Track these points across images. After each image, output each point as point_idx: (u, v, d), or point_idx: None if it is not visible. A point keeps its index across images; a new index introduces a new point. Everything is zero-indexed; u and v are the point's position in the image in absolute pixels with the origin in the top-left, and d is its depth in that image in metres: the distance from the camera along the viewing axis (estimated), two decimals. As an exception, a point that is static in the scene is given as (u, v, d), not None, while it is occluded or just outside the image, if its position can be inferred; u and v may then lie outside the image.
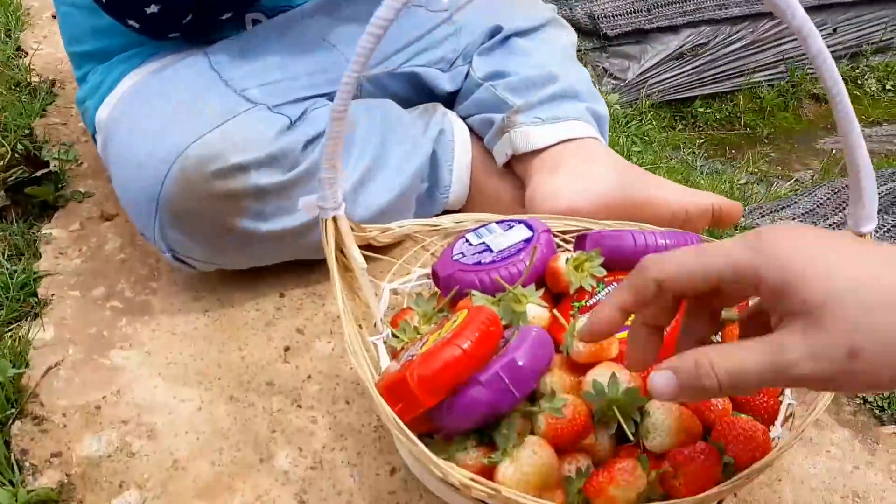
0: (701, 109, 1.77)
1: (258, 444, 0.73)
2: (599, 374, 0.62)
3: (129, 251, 0.97)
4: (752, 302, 0.72)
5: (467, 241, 0.76)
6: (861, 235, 0.61)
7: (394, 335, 0.71)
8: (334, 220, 0.64)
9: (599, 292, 0.72)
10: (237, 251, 0.85)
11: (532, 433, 0.61)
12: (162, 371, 0.80)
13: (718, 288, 0.48)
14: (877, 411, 0.78)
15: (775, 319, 0.47)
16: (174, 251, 0.84)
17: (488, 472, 0.59)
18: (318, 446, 0.73)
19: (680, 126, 1.71)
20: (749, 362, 0.46)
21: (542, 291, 0.70)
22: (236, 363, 0.81)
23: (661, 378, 0.49)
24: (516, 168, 0.95)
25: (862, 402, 0.79)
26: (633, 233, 0.73)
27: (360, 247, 0.69)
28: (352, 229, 0.67)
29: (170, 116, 0.82)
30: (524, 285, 0.70)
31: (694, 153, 1.58)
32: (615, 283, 0.73)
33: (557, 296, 0.74)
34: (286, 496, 0.68)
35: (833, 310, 0.43)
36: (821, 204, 1.15)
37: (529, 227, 0.77)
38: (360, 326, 0.68)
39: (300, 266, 0.93)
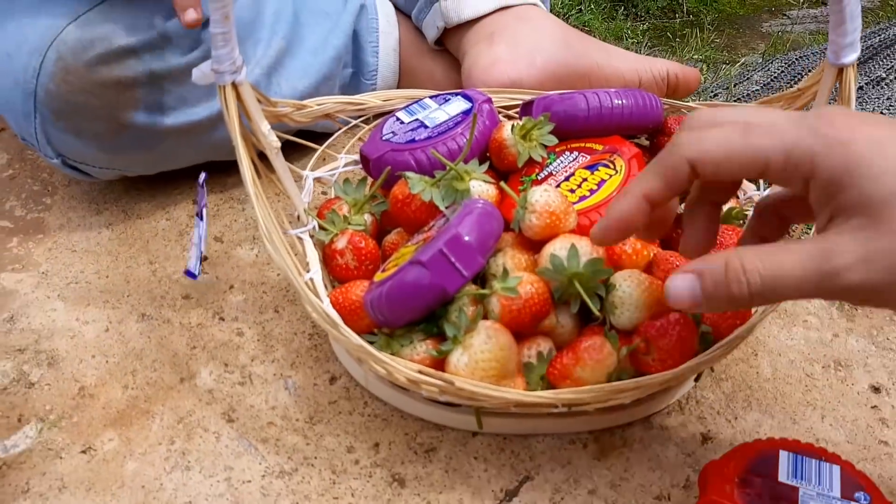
0: (641, -3, 1.68)
1: (177, 364, 0.64)
2: (557, 248, 0.54)
3: (19, 167, 0.86)
4: (745, 196, 0.66)
5: (398, 119, 0.67)
6: (842, 67, 0.54)
7: (321, 227, 0.62)
8: (234, 87, 0.54)
9: (550, 163, 0.64)
10: (137, 152, 0.74)
11: (485, 319, 0.53)
12: (61, 292, 0.70)
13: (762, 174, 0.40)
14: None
15: (823, 219, 0.39)
16: (63, 156, 0.73)
17: (439, 366, 0.52)
18: (245, 360, 0.64)
19: (621, 15, 1.62)
20: (788, 266, 0.38)
21: (486, 166, 0.62)
22: (147, 278, 0.72)
23: (682, 281, 0.41)
24: (449, 44, 0.85)
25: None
26: (586, 93, 0.65)
27: (279, 135, 0.60)
28: (259, 102, 0.57)
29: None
30: (466, 160, 0.61)
31: (638, 42, 1.50)
32: (568, 153, 0.65)
33: (505, 174, 0.66)
34: (213, 416, 0.60)
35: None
36: (776, 77, 1.08)
37: (468, 98, 0.68)
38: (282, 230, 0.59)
39: (215, 169, 0.82)
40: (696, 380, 0.60)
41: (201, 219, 0.65)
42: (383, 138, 0.65)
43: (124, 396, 0.61)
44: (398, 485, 0.55)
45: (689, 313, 0.53)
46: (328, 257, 0.61)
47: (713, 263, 0.40)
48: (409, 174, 0.60)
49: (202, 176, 0.65)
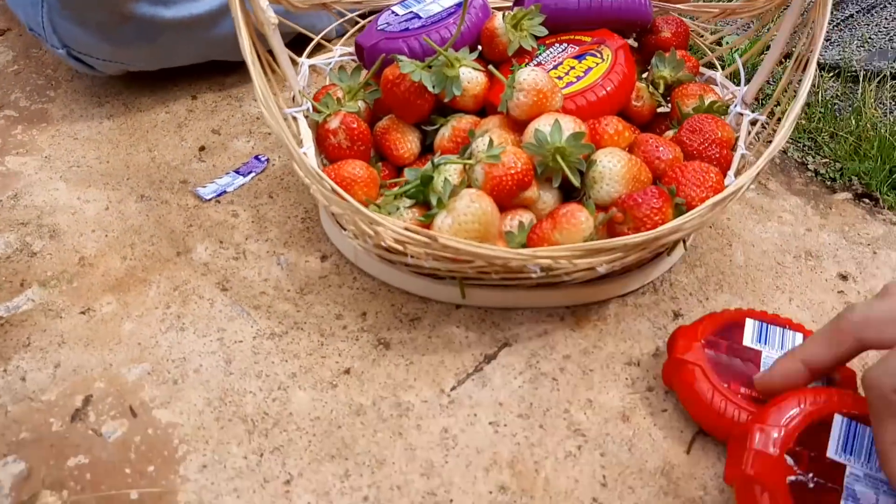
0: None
1: (174, 239, 0.66)
2: (542, 124, 0.56)
3: (24, 63, 0.87)
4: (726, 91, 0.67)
5: (393, 12, 0.69)
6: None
7: (315, 109, 0.64)
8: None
9: (540, 54, 0.66)
10: (138, 44, 0.76)
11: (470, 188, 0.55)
12: (63, 174, 0.72)
13: None
14: (829, 182, 0.75)
15: None
16: (68, 47, 0.75)
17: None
18: (240, 238, 0.67)
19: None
20: None
21: (476, 54, 0.64)
22: (146, 164, 0.74)
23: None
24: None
25: (814, 174, 0.76)
26: (576, -13, 0.67)
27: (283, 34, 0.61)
28: (258, -23, 0.58)
29: None
30: (456, 48, 0.63)
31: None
32: (557, 45, 0.67)
33: (496, 64, 0.68)
34: (207, 285, 0.62)
35: None
36: None
37: (462, -9, 0.69)
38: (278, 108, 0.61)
39: (214, 69, 0.85)
40: (669, 254, 0.62)
41: (240, 174, 0.69)
42: (378, 28, 0.67)
43: (123, 266, 0.64)
44: (383, 347, 0.58)
45: (665, 187, 0.55)
46: (321, 137, 0.63)
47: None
48: (401, 57, 0.62)
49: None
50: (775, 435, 0.44)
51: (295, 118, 0.63)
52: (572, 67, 0.63)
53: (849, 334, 0.44)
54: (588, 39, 0.66)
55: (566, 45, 0.66)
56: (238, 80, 0.85)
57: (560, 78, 0.63)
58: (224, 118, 0.80)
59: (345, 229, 0.60)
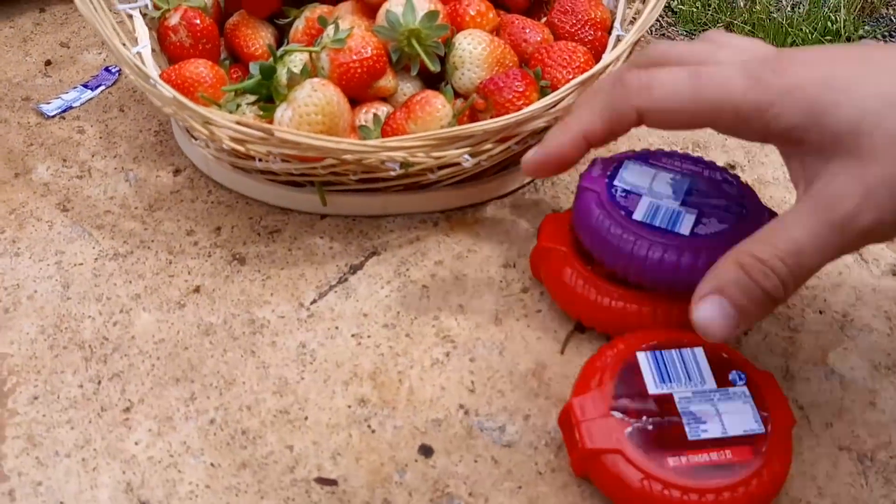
0: None
1: (12, 160, 0.60)
2: (393, 4, 0.51)
3: None
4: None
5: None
6: None
7: (155, 6, 0.57)
8: None
9: None
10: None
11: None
12: None
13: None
14: (722, 71, 0.71)
15: (796, 170, 0.37)
16: None
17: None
18: (85, 156, 0.61)
19: None
20: (798, 235, 0.34)
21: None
22: (-16, 82, 0.67)
23: (708, 309, 0.36)
24: None
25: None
26: None
27: None
28: None
29: None
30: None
31: None
32: None
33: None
34: (46, 206, 0.57)
35: (873, 136, 0.33)
36: None
37: None
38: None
39: (65, -21, 0.77)
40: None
41: (88, 88, 0.63)
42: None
43: (-49, 192, 0.58)
44: (238, 262, 0.53)
45: (529, 70, 0.51)
46: (161, 36, 0.57)
47: (726, 274, 0.36)
48: None
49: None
50: (594, 401, 0.41)
51: (130, 15, 0.57)
52: None
53: (626, 102, 0.40)
54: None
55: None
56: (92, -10, 0.77)
57: None
58: (74, 30, 0.73)
59: (195, 138, 0.54)
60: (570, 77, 0.50)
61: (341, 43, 0.49)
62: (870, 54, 0.36)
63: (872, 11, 0.71)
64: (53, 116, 0.63)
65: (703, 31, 0.73)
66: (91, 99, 0.65)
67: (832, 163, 0.34)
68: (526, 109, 0.47)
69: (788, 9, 0.75)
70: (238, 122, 0.45)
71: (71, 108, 0.64)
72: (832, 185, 0.34)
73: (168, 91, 0.48)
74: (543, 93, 0.50)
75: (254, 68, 0.51)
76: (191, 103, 0.46)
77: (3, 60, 0.69)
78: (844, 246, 0.35)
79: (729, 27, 0.72)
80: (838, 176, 0.34)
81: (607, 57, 0.50)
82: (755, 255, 0.35)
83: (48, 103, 0.64)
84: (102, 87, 0.66)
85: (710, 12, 0.74)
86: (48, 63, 0.69)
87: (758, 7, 0.69)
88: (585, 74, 0.48)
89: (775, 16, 0.71)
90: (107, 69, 0.68)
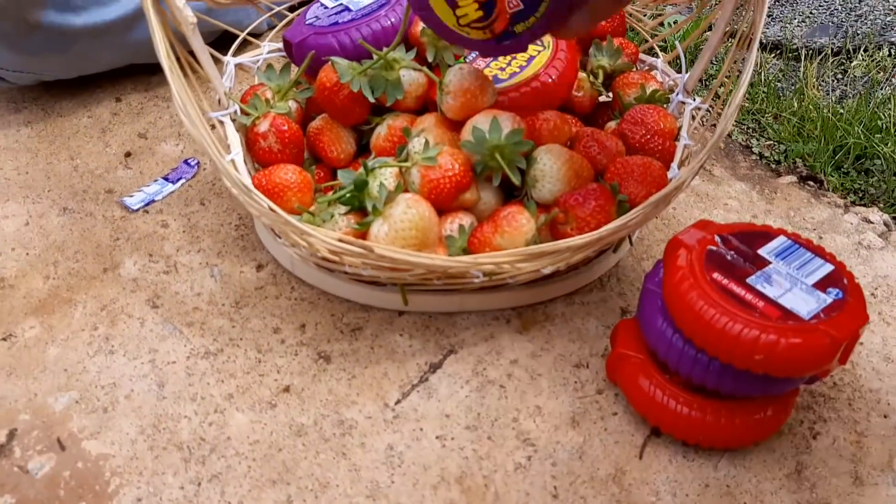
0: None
1: (100, 255, 0.63)
2: (480, 121, 0.54)
3: (-69, 68, 0.82)
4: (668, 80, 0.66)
5: (322, 4, 0.66)
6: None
7: (243, 112, 0.61)
8: (145, -44, 0.52)
9: None
10: (50, 54, 0.71)
11: (407, 192, 0.53)
12: (-22, 188, 0.68)
13: None
14: (773, 164, 0.74)
15: None
16: (-26, 57, 0.70)
17: (361, 239, 0.52)
18: (171, 250, 0.64)
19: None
20: None
21: (413, 53, 0.61)
22: (68, 173, 0.70)
23: None
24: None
25: (759, 157, 0.75)
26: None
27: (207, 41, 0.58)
28: (172, -25, 0.55)
29: None
30: (389, 42, 0.60)
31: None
32: None
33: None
34: (136, 302, 0.59)
35: None
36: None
37: (392, -18, 0.66)
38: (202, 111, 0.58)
39: (138, 70, 0.81)
40: (615, 251, 0.61)
41: (169, 181, 0.66)
42: (307, 23, 0.64)
43: (46, 286, 0.60)
44: (324, 361, 0.56)
45: (607, 184, 0.53)
46: (251, 142, 0.60)
47: None
48: (337, 60, 0.59)
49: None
50: (710, 229, 0.49)
51: (221, 122, 0.60)
52: (514, 57, 0.61)
53: None
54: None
55: None
56: (165, 80, 0.80)
57: (503, 69, 0.60)
58: (151, 120, 0.76)
59: (280, 237, 0.57)
60: (647, 192, 0.53)
61: (432, 161, 0.52)
62: None
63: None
64: (137, 210, 0.66)
65: (753, 121, 0.76)
66: (172, 192, 0.68)
67: None
68: (607, 227, 0.50)
69: (834, 99, 0.77)
70: (340, 240, 0.48)
71: (153, 201, 0.67)
72: None
73: (264, 201, 0.51)
74: (622, 207, 0.53)
75: (345, 178, 0.54)
76: (289, 216, 0.49)
77: (84, 151, 0.72)
78: None
79: (777, 118, 0.75)
80: None
81: (683, 174, 0.52)
82: None
83: (131, 196, 0.67)
84: (183, 181, 0.69)
85: (757, 103, 0.76)
86: (128, 154, 0.72)
87: (806, 99, 0.72)
88: (661, 193, 0.51)
89: (823, 109, 0.73)
90: (186, 162, 0.71)
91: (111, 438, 0.51)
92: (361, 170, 0.54)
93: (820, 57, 0.87)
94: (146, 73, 0.81)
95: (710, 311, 0.43)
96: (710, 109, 0.64)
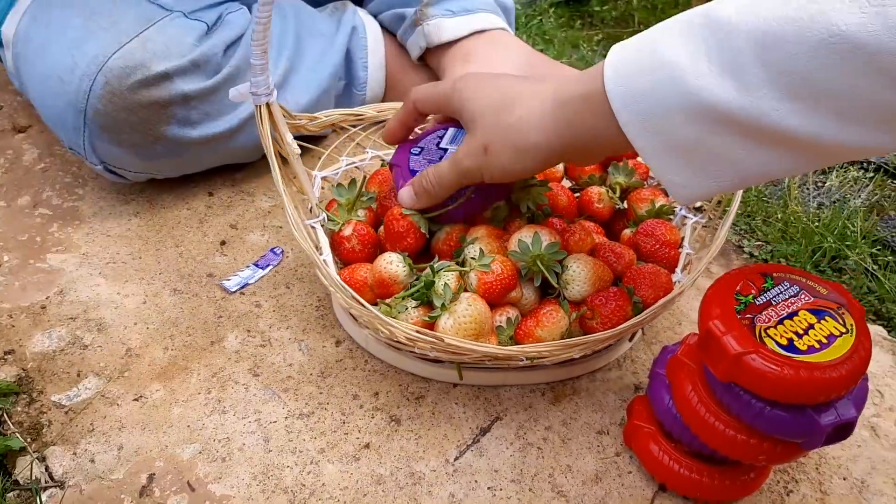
0: (597, 8, 1.83)
1: (207, 329, 0.77)
2: (524, 235, 0.68)
3: (49, 161, 0.97)
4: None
5: (438, 136, 0.73)
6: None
7: (330, 219, 0.75)
8: (268, 106, 0.67)
9: (769, 289, 0.58)
10: (168, 159, 0.87)
11: (465, 291, 0.67)
12: (102, 270, 0.83)
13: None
14: (762, 262, 0.88)
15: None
16: (105, 163, 0.85)
17: (428, 328, 0.65)
18: (264, 327, 0.78)
19: (578, 24, 1.77)
20: (443, 167, 0.66)
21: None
22: (174, 259, 0.84)
23: (406, 192, 0.70)
24: (430, 61, 0.99)
25: (749, 255, 0.90)
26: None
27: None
28: (283, 116, 0.70)
29: (84, 27, 0.81)
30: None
31: (593, 50, 1.65)
32: (787, 283, 0.59)
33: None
34: (241, 371, 0.73)
35: (477, 122, 0.62)
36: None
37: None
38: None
39: (225, 167, 0.96)
40: (631, 339, 0.75)
41: (259, 267, 0.82)
42: (412, 153, 0.73)
43: (165, 356, 0.74)
44: (395, 423, 0.69)
45: (625, 287, 0.68)
46: (336, 243, 0.74)
47: (417, 178, 0.69)
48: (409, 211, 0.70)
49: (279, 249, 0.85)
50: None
51: (314, 227, 0.74)
52: (811, 325, 0.55)
53: (409, 100, 0.70)
54: (824, 291, 0.58)
55: (796, 286, 0.58)
56: (248, 176, 0.96)
57: (799, 335, 0.54)
58: (239, 213, 0.91)
59: (357, 321, 0.71)
60: (657, 295, 0.67)
61: (487, 267, 0.66)
62: (498, 83, 0.63)
63: (881, 212, 0.88)
64: (235, 292, 0.81)
65: (745, 224, 0.90)
66: (262, 277, 0.83)
67: (466, 135, 0.64)
68: (625, 324, 0.64)
69: (814, 207, 0.92)
70: (417, 331, 0.62)
71: (247, 284, 0.81)
72: (460, 147, 0.64)
73: (351, 293, 0.65)
74: (636, 307, 0.67)
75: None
76: (380, 313, 0.63)
77: (186, 240, 0.87)
78: (462, 176, 0.65)
79: (766, 222, 0.89)
80: (463, 143, 0.64)
81: (685, 281, 0.67)
82: (427, 172, 0.68)
83: (229, 280, 0.82)
84: (270, 267, 0.83)
85: (749, 207, 0.91)
86: (223, 243, 0.87)
87: (788, 209, 0.86)
88: (669, 296, 0.65)
89: (803, 218, 0.87)
90: (272, 250, 0.85)
91: (230, 483, 0.64)
92: (428, 270, 0.69)
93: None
94: (232, 169, 0.96)
95: (718, 424, 0.58)
96: (709, 223, 0.78)
